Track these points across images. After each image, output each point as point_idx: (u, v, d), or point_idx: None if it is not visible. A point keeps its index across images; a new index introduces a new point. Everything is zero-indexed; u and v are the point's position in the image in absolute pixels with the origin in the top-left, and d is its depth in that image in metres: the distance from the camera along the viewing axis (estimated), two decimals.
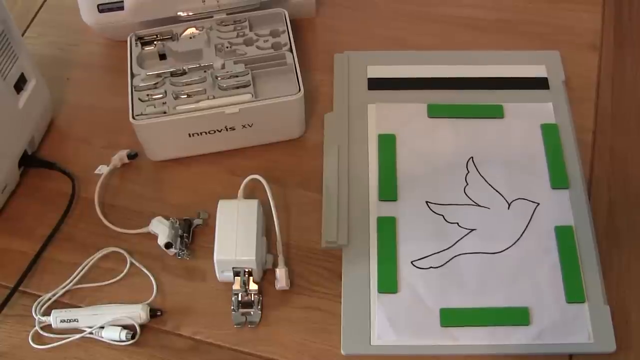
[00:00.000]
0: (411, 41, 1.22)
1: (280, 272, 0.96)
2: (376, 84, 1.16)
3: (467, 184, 1.05)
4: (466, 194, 1.04)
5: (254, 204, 0.97)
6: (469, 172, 1.06)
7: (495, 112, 1.12)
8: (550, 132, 1.10)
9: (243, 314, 0.96)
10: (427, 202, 1.04)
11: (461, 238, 1.01)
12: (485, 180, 1.06)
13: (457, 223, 1.02)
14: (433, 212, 1.03)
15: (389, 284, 0.97)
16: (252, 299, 0.96)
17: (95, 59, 1.25)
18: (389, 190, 1.05)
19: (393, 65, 1.18)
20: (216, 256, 0.93)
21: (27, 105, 1.06)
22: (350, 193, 1.04)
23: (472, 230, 1.01)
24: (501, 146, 1.09)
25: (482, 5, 1.27)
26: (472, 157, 1.08)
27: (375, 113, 1.12)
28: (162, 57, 1.12)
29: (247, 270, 0.94)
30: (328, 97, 1.15)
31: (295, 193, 1.06)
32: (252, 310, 0.95)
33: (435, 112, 1.12)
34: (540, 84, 1.15)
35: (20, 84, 1.05)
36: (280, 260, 0.97)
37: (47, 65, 1.20)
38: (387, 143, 1.09)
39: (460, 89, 1.15)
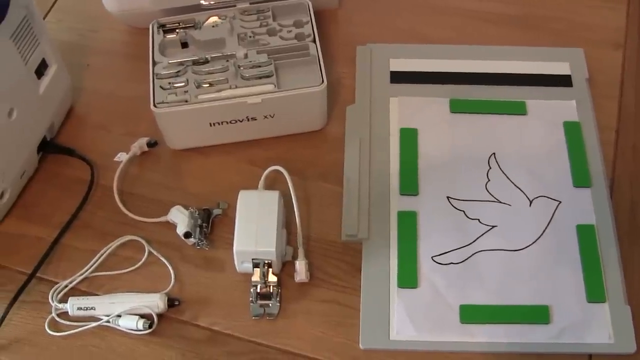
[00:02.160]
0: (433, 35, 1.21)
1: (300, 265, 0.96)
2: (399, 77, 1.15)
3: (489, 180, 1.04)
4: (487, 190, 1.04)
5: (275, 195, 0.96)
6: (490, 168, 1.06)
7: (518, 109, 1.11)
8: (572, 130, 1.09)
9: (261, 305, 0.95)
10: (448, 197, 1.03)
11: (482, 234, 1.00)
12: (507, 177, 1.05)
13: (478, 219, 1.01)
14: (454, 207, 1.02)
15: (408, 279, 0.96)
16: (271, 290, 0.95)
17: (116, 46, 1.24)
18: (410, 185, 1.04)
19: (416, 59, 1.17)
20: (236, 247, 0.92)
21: (47, 90, 1.06)
22: (371, 186, 1.04)
23: (493, 227, 1.00)
24: (523, 143, 1.08)
25: (505, 0, 1.25)
26: (494, 153, 1.07)
27: (398, 107, 1.12)
28: (184, 45, 1.11)
29: (266, 261, 0.93)
30: (350, 90, 1.15)
31: (316, 185, 1.06)
32: (271, 302, 0.95)
33: (457, 107, 1.11)
34: (563, 81, 1.15)
35: (41, 70, 1.05)
36: (300, 252, 0.97)
37: (67, 52, 1.19)
38: (409, 137, 1.09)
39: (483, 85, 1.14)
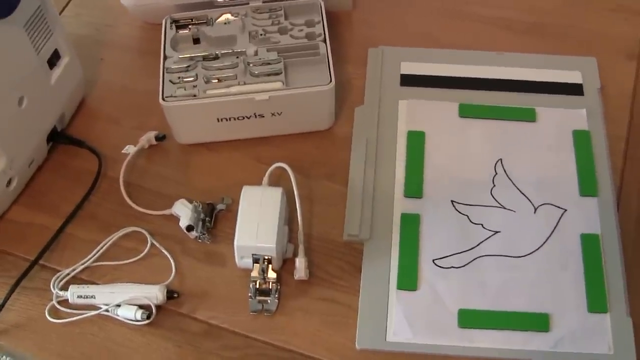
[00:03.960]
0: (445, 39, 1.21)
1: (300, 262, 0.96)
2: (409, 80, 1.15)
3: (494, 186, 1.04)
4: (492, 196, 1.03)
5: (278, 191, 0.96)
6: (497, 173, 1.05)
7: (528, 116, 1.11)
8: (581, 139, 1.08)
9: (260, 301, 0.95)
10: (452, 201, 1.03)
11: (485, 240, 1.00)
12: (513, 183, 1.04)
13: (482, 224, 1.01)
14: (458, 211, 1.02)
15: (408, 281, 0.96)
16: (270, 287, 0.95)
17: (130, 41, 1.25)
18: (414, 187, 1.04)
19: (427, 63, 1.17)
20: (236, 241, 0.93)
21: (59, 81, 1.06)
22: (376, 187, 1.04)
23: (497, 232, 1.00)
24: (531, 150, 1.07)
25: (519, 7, 1.26)
26: (500, 159, 1.07)
27: (406, 109, 1.12)
28: (196, 41, 1.11)
29: (266, 257, 0.94)
30: (359, 91, 1.15)
31: (320, 184, 1.06)
32: (269, 298, 0.95)
33: (466, 112, 1.11)
34: (574, 89, 1.14)
35: (53, 60, 1.05)
36: (301, 250, 0.97)
37: (83, 45, 1.20)
38: (416, 140, 1.08)
39: (493, 90, 1.14)
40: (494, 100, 1.12)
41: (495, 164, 1.06)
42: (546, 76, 1.15)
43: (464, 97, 1.13)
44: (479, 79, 1.15)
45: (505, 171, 1.05)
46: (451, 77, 1.16)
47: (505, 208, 1.02)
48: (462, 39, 1.21)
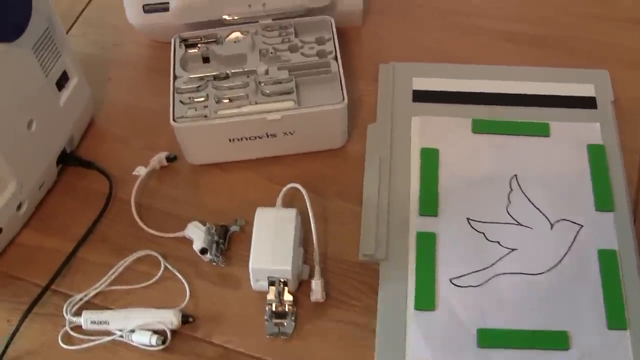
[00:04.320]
0: (457, 54, 1.20)
1: (316, 284, 0.94)
2: (421, 96, 1.14)
3: (510, 203, 1.02)
4: (508, 213, 1.02)
5: (292, 213, 0.95)
6: (512, 190, 1.04)
7: (541, 130, 1.09)
8: (596, 153, 1.07)
9: (276, 324, 0.93)
10: (468, 218, 1.01)
11: (502, 257, 0.98)
12: (529, 199, 1.03)
13: (498, 242, 0.99)
14: (474, 229, 1.00)
15: (426, 301, 0.95)
16: (287, 309, 0.93)
17: (138, 60, 1.25)
18: (429, 205, 1.02)
19: (439, 78, 1.16)
20: (252, 264, 0.92)
21: (68, 103, 1.05)
22: (390, 206, 1.02)
23: (513, 250, 0.98)
24: (546, 165, 1.06)
25: (528, 19, 1.25)
26: (515, 175, 1.05)
27: (419, 126, 1.10)
28: (206, 60, 1.10)
29: (282, 280, 0.92)
30: (371, 108, 1.13)
31: (334, 204, 1.04)
32: (286, 321, 0.93)
33: (479, 127, 1.10)
34: (587, 103, 1.13)
35: (62, 82, 1.05)
36: (317, 271, 0.95)
37: (90, 64, 1.19)
38: (430, 157, 1.07)
39: (506, 105, 1.12)
40: (507, 115, 1.11)
41: (510, 180, 1.05)
42: (559, 90, 1.14)
43: (477, 113, 1.11)
44: (492, 93, 1.14)
45: (520, 187, 1.04)
46: (463, 92, 1.14)
47: (521, 225, 1.01)
48: (473, 53, 1.20)
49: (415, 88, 1.15)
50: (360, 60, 1.20)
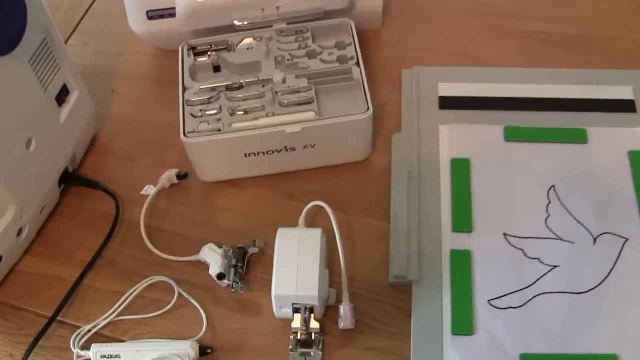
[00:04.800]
0: (483, 56, 1.15)
1: (345, 309, 0.89)
2: (448, 102, 1.10)
3: (549, 215, 0.97)
4: (547, 227, 0.96)
5: (317, 233, 0.89)
6: (550, 202, 0.98)
7: (578, 136, 1.04)
8: (638, 160, 1.02)
9: (302, 354, 0.89)
10: (504, 234, 0.96)
11: (543, 275, 0.93)
12: (568, 212, 0.97)
13: (538, 259, 0.94)
14: (512, 245, 0.95)
15: (464, 324, 0.89)
16: (313, 337, 0.89)
17: (143, 70, 1.21)
18: (463, 221, 0.98)
19: (466, 83, 1.12)
20: (274, 291, 0.86)
21: (69, 118, 1.02)
22: (421, 223, 0.98)
23: (555, 267, 0.93)
24: (585, 174, 1.01)
25: (560, 19, 1.20)
26: (553, 186, 1.00)
27: (448, 135, 1.06)
28: (216, 69, 1.06)
29: (308, 306, 0.87)
30: (395, 117, 1.09)
31: (359, 221, 1.00)
32: (312, 350, 0.89)
33: (512, 135, 1.05)
34: (626, 106, 1.08)
35: (62, 96, 1.01)
36: (345, 296, 0.90)
37: (91, 76, 1.15)
38: (461, 168, 1.02)
39: (539, 111, 1.08)
40: (541, 121, 1.06)
41: (548, 191, 1.00)
42: (595, 93, 1.09)
43: (509, 119, 1.07)
44: (523, 98, 1.10)
45: (559, 199, 0.99)
46: (494, 97, 1.10)
47: (562, 239, 0.96)
48: (502, 56, 1.15)
49: (441, 94, 1.11)
50: (380, 66, 1.16)
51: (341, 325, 0.89)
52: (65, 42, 1.22)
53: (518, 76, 1.12)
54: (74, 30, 1.26)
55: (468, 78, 1.13)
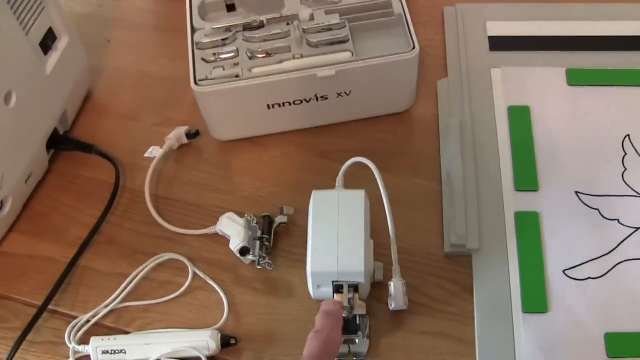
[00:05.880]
0: None
1: (396, 287, 0.80)
2: (499, 43, 1.04)
3: (625, 169, 0.90)
4: (625, 182, 0.89)
5: (360, 195, 0.80)
6: (626, 153, 0.91)
7: None
8: None
9: (345, 341, 0.80)
10: (576, 192, 0.89)
11: (624, 239, 0.85)
12: None
13: (618, 219, 0.87)
14: (585, 205, 0.88)
15: (536, 301, 0.82)
16: (358, 322, 0.79)
17: (143, 16, 1.15)
18: (527, 178, 0.91)
19: (519, 21, 1.06)
20: (310, 267, 0.77)
21: (56, 69, 0.95)
22: (478, 182, 0.91)
23: (638, 228, 0.85)
24: None
25: None
26: (628, 135, 0.93)
27: (502, 80, 1.00)
28: (231, 7, 0.99)
29: (351, 284, 0.78)
30: (439, 61, 1.03)
31: (405, 181, 0.92)
32: (357, 337, 0.80)
33: (576, 78, 0.99)
34: None
35: (47, 42, 0.94)
36: (396, 270, 0.81)
37: (84, 25, 1.10)
38: (520, 117, 0.96)
39: (606, 50, 1.02)
40: (608, 62, 1.00)
41: (623, 141, 0.93)
42: None
43: (571, 61, 1.01)
44: (586, 37, 1.04)
45: (635, 150, 0.92)
46: (551, 36, 1.04)
47: None
48: None
49: (490, 34, 1.05)
50: (419, 3, 1.10)
51: (392, 306, 0.81)
52: None
53: (580, 12, 1.07)
54: None
55: (520, 15, 1.07)
